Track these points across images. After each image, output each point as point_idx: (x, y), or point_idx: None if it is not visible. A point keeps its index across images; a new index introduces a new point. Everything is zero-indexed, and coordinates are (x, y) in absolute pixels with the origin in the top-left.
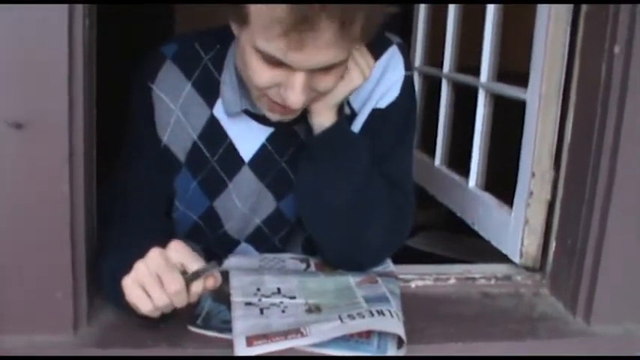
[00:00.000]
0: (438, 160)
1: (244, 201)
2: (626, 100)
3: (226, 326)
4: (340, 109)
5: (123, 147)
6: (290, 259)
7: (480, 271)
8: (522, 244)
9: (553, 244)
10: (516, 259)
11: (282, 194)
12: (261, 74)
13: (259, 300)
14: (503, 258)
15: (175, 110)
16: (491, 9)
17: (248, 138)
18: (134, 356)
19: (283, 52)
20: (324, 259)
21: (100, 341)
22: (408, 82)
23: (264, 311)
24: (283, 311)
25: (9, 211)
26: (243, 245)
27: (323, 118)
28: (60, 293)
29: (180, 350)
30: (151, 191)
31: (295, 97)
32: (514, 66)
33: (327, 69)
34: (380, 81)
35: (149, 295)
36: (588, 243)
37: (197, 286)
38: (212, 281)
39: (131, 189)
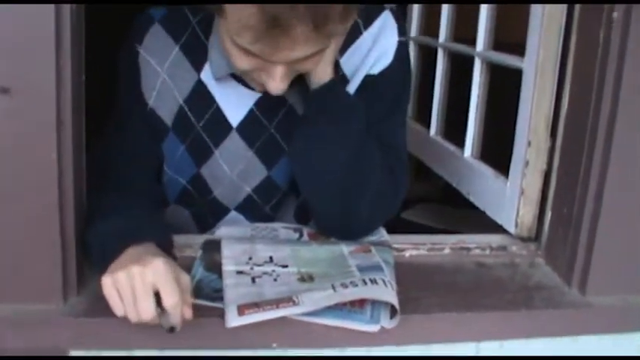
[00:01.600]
0: (433, 130)
1: (232, 167)
2: (624, 67)
3: (218, 295)
4: (335, 70)
5: (111, 111)
6: (282, 229)
7: (474, 241)
8: (518, 214)
9: (549, 214)
10: (512, 229)
11: (273, 162)
12: (241, 62)
13: (251, 268)
14: (499, 231)
15: (162, 73)
16: None
17: (236, 103)
18: (124, 326)
19: (259, 51)
20: (317, 225)
21: (89, 310)
22: (402, 48)
23: (256, 280)
24: (275, 280)
25: None
26: (233, 214)
27: (321, 74)
28: (49, 262)
29: None
30: (140, 156)
31: (275, 85)
32: (511, 37)
33: (307, 57)
34: (373, 47)
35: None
36: (584, 213)
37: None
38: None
39: (119, 155)
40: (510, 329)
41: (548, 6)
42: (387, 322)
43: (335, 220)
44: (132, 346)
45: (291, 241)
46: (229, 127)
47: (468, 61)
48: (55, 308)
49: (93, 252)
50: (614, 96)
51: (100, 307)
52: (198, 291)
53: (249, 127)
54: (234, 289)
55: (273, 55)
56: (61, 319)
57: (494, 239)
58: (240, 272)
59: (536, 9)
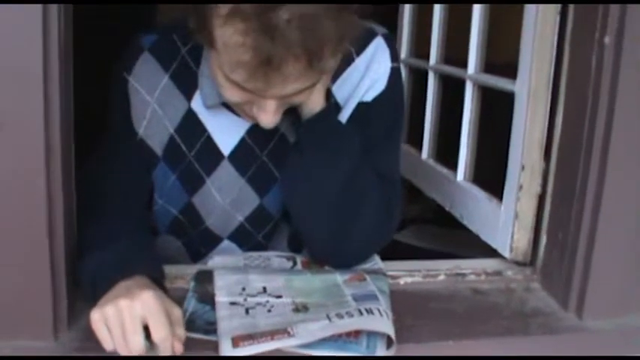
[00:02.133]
0: (425, 154)
1: (224, 196)
2: (617, 91)
3: (211, 327)
4: (327, 97)
5: (100, 139)
6: (275, 258)
7: (469, 266)
8: (512, 238)
9: (544, 238)
10: (506, 254)
11: (265, 190)
12: (232, 95)
13: (245, 299)
14: (492, 251)
15: (152, 102)
16: None
17: (227, 131)
18: None
19: (251, 87)
20: (311, 253)
21: (81, 346)
22: (394, 74)
23: (250, 311)
24: (269, 310)
25: None
26: (226, 243)
27: (313, 104)
28: (39, 297)
29: None
30: (130, 186)
31: (267, 119)
32: (502, 58)
33: (299, 91)
34: (365, 74)
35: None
36: (580, 237)
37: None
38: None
39: (109, 184)
40: (507, 356)
41: (539, 29)
42: (383, 352)
43: (327, 248)
44: None
45: (284, 271)
46: (221, 156)
47: (460, 83)
48: (46, 345)
49: (84, 285)
50: (608, 118)
51: (92, 343)
52: (191, 324)
53: (240, 155)
54: (228, 321)
55: (266, 91)
56: (52, 356)
57: (489, 264)
58: (233, 303)
59: (527, 32)
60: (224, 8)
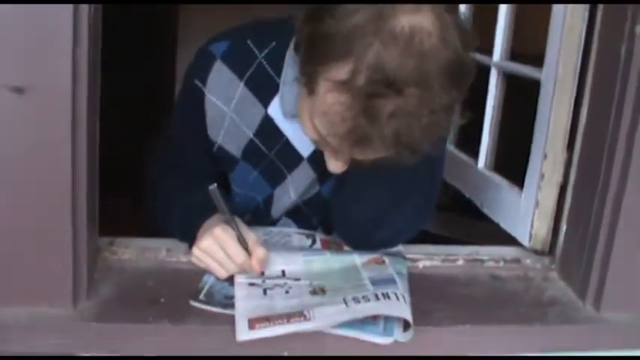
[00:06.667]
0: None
1: (297, 191)
2: None
3: (229, 302)
4: None
5: (166, 139)
6: (296, 234)
7: (488, 252)
8: (532, 226)
9: (564, 228)
10: (525, 242)
11: (327, 180)
12: (311, 133)
13: (263, 281)
14: (512, 243)
15: (228, 112)
16: None
17: (304, 137)
18: (133, 331)
19: (334, 145)
20: (343, 236)
21: (99, 315)
22: None
23: (268, 292)
24: (287, 292)
25: (9, 178)
26: (283, 220)
27: None
28: (59, 266)
29: (182, 326)
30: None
31: (336, 167)
32: (529, 48)
33: None
34: None
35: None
36: (601, 228)
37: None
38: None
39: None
40: (524, 343)
41: (568, 17)
42: (400, 336)
43: (361, 233)
44: (142, 352)
45: (303, 250)
46: (300, 157)
47: (484, 71)
48: (64, 313)
49: (174, 233)
50: (635, 110)
51: (111, 312)
52: (209, 297)
53: (318, 156)
54: (245, 301)
55: (345, 153)
56: (70, 324)
57: (508, 251)
58: (252, 284)
59: (556, 20)
60: (340, 73)
